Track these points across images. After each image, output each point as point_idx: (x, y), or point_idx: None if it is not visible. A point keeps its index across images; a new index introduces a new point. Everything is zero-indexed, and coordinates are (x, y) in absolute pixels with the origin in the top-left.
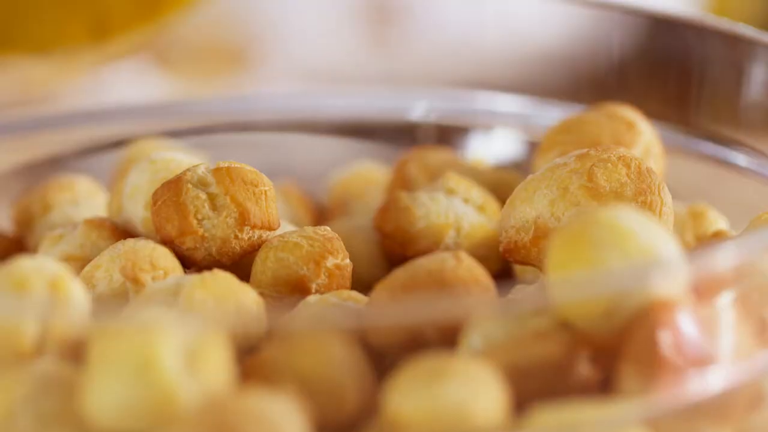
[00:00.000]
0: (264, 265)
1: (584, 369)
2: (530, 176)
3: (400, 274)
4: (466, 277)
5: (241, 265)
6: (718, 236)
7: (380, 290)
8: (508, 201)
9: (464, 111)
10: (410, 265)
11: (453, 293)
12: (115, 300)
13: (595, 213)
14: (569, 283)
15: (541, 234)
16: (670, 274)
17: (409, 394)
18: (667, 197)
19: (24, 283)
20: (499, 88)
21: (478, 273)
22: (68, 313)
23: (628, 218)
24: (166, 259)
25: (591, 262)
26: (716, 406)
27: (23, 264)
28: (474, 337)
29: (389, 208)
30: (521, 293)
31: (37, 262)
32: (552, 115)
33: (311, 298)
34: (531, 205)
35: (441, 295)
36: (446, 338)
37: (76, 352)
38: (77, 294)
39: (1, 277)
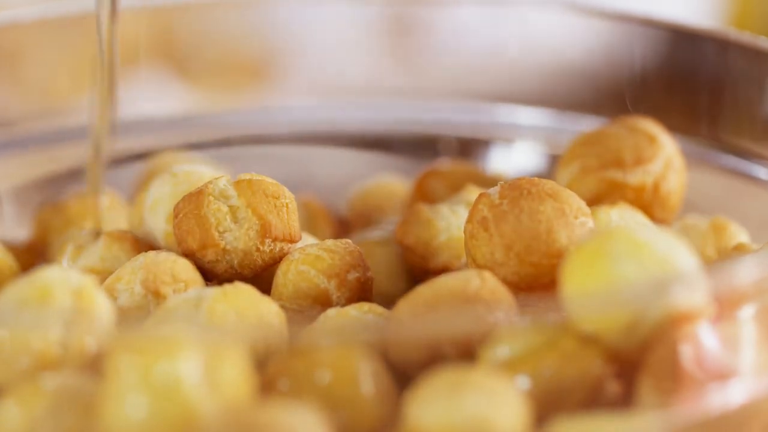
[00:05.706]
0: (285, 278)
1: (605, 383)
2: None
3: (423, 290)
4: (488, 298)
5: (262, 278)
6: (739, 250)
7: (402, 306)
8: None
9: (485, 124)
10: (434, 283)
11: (473, 309)
12: (136, 312)
13: (609, 227)
14: (589, 298)
15: None
16: (691, 284)
17: (430, 405)
18: None
19: (49, 293)
20: (521, 101)
21: (501, 294)
22: (93, 324)
23: (643, 230)
24: (187, 271)
25: (608, 274)
26: (737, 421)
27: (48, 274)
28: (494, 351)
29: (410, 221)
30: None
31: (63, 272)
32: (573, 128)
33: (331, 311)
34: None
35: (461, 310)
36: (465, 354)
37: (96, 365)
38: (102, 305)
39: (26, 286)
